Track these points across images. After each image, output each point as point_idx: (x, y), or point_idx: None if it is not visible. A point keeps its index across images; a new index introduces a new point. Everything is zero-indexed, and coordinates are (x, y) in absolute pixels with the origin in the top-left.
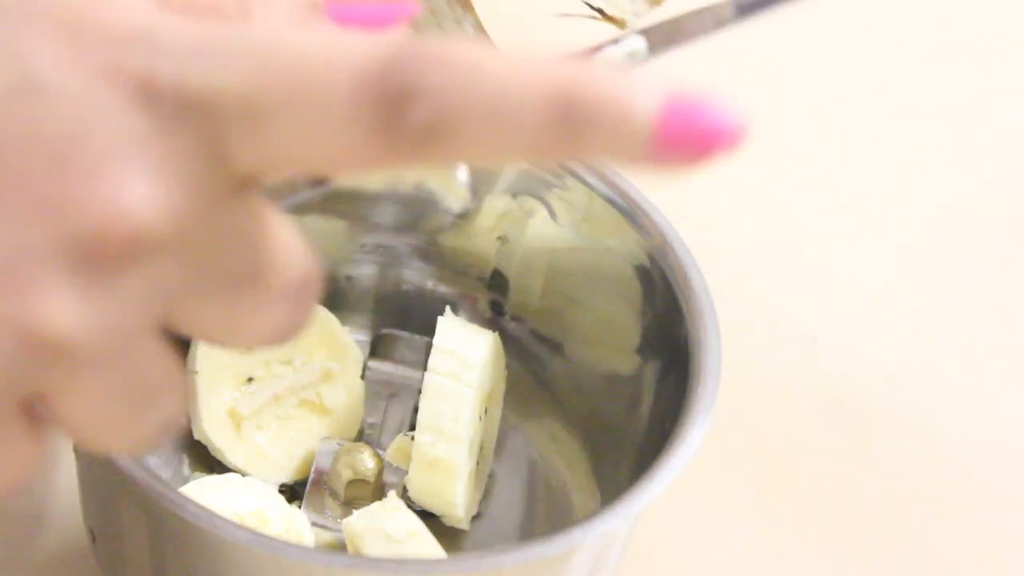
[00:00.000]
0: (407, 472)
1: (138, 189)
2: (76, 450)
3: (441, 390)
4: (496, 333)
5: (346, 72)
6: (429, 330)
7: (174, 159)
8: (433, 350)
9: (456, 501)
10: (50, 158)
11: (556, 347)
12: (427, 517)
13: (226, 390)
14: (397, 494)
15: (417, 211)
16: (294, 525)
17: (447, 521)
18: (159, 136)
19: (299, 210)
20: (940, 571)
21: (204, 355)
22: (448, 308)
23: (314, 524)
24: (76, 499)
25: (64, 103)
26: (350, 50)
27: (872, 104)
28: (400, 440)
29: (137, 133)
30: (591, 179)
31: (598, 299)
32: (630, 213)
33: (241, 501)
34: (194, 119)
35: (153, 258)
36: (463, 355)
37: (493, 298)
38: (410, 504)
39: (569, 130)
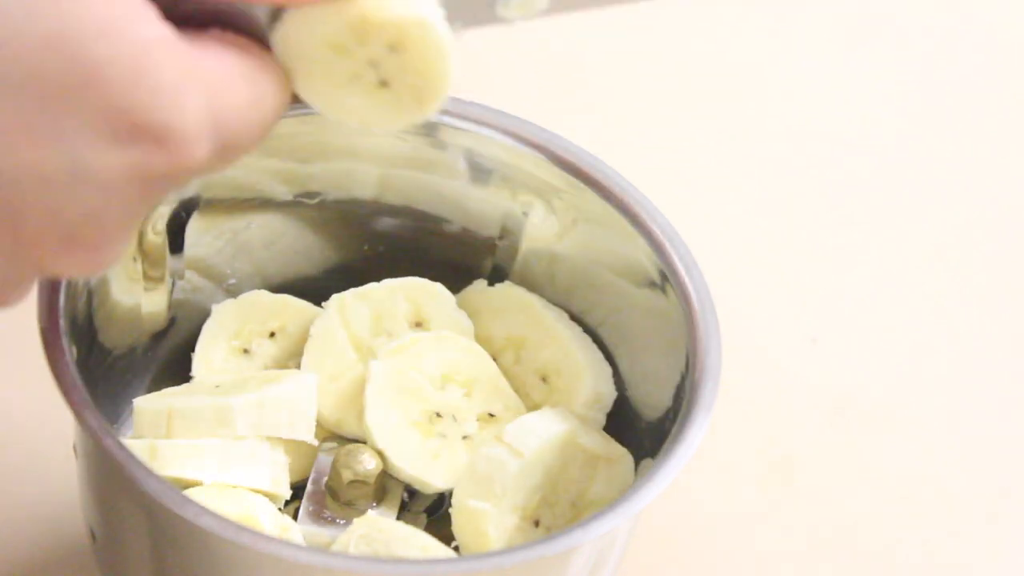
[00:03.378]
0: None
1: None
2: (76, 450)
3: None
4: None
5: None
6: None
7: None
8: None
9: None
10: None
11: None
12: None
13: None
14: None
15: (418, 212)
16: (287, 536)
17: None
18: None
19: (301, 215)
20: (940, 569)
21: (201, 359)
22: None
23: (314, 525)
24: (76, 499)
25: None
26: None
27: (873, 107)
28: None
29: None
30: (592, 180)
31: (598, 299)
32: (631, 214)
33: (232, 509)
34: None
35: None
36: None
37: None
38: None
39: None
